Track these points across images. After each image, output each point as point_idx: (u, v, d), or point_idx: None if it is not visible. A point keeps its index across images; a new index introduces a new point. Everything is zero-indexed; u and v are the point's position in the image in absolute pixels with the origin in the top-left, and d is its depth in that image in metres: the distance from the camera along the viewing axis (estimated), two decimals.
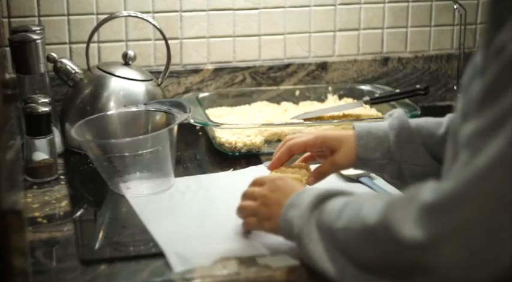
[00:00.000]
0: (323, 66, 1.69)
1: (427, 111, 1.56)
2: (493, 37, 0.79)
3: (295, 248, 0.97)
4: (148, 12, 1.58)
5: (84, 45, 1.45)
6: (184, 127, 1.40)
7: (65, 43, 1.57)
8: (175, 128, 1.25)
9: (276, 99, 1.63)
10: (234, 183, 1.27)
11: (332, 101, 1.64)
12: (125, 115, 1.34)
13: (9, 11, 1.52)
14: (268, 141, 1.45)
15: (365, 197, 0.91)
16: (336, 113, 1.55)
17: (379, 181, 1.26)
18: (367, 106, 1.57)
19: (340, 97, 1.65)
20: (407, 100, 1.55)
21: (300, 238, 0.94)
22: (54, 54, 1.43)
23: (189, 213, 1.17)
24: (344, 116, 1.55)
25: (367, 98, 1.55)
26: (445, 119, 1.13)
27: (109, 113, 1.34)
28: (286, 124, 1.47)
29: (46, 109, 1.30)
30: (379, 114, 1.56)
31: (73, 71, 1.44)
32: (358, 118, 1.53)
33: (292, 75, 1.68)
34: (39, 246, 1.08)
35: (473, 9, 1.74)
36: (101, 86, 1.43)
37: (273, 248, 1.04)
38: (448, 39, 1.75)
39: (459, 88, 1.66)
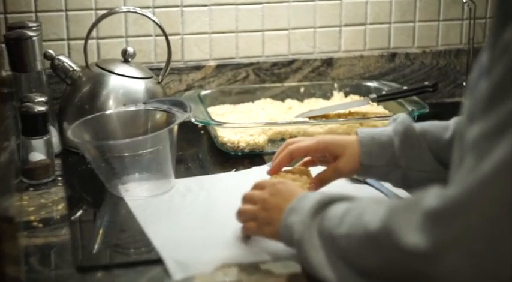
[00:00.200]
0: (328, 62, 1.66)
1: (436, 108, 1.55)
2: (499, 35, 0.76)
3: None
4: (148, 7, 1.54)
5: (83, 41, 1.41)
6: (186, 125, 1.37)
7: (63, 39, 1.53)
8: (176, 127, 1.22)
9: (280, 96, 1.59)
10: (236, 184, 1.23)
11: (338, 98, 1.60)
12: (124, 114, 1.30)
13: (6, 7, 1.49)
14: (271, 141, 1.41)
15: (367, 202, 0.88)
16: (341, 111, 1.51)
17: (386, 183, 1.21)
18: (374, 103, 1.53)
19: (346, 94, 1.61)
20: (415, 97, 1.51)
21: (300, 244, 0.92)
22: (51, 51, 1.40)
23: (190, 217, 1.14)
24: (350, 114, 1.51)
25: (373, 96, 1.52)
26: (451, 123, 1.10)
27: (107, 112, 1.31)
28: (290, 123, 1.43)
29: (42, 108, 1.26)
30: (386, 112, 1.52)
31: (71, 69, 1.40)
32: (364, 116, 1.50)
33: (296, 71, 1.65)
34: (34, 253, 1.05)
35: (483, 2, 1.70)
36: (100, 84, 1.40)
37: (275, 253, 1.01)
38: (457, 34, 1.72)
39: (468, 84, 1.65)
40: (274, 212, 0.98)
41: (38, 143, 1.27)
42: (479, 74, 0.81)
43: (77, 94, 1.40)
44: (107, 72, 1.40)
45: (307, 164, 1.15)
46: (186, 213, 1.15)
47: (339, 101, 1.59)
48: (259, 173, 1.23)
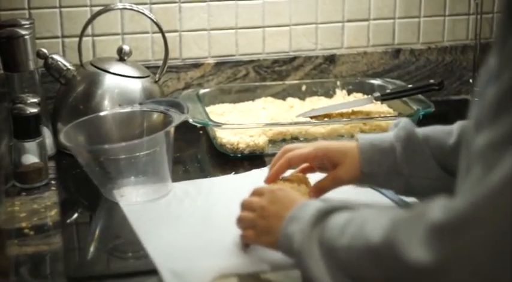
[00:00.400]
0: (331, 59, 1.63)
1: (441, 106, 1.52)
2: (507, 38, 0.72)
3: None
4: (145, 4, 1.51)
5: (78, 39, 1.38)
6: (185, 125, 1.32)
7: (57, 37, 1.50)
8: (172, 130, 1.18)
9: (281, 94, 1.56)
10: (235, 188, 1.19)
11: (341, 96, 1.56)
12: (119, 116, 1.26)
13: None
14: (272, 141, 1.37)
15: (369, 212, 0.85)
16: (344, 110, 1.47)
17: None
18: (378, 102, 1.49)
19: (349, 92, 1.57)
20: (420, 96, 1.48)
21: (300, 254, 0.88)
22: (44, 50, 1.36)
23: (187, 224, 1.10)
24: (353, 113, 1.48)
25: (377, 94, 1.48)
26: (455, 127, 1.06)
27: (101, 114, 1.27)
28: (291, 124, 1.39)
29: (35, 110, 1.22)
30: (391, 111, 1.49)
31: (65, 68, 1.37)
32: (368, 115, 1.47)
33: (298, 69, 1.61)
34: (25, 262, 1.01)
35: None
36: (95, 83, 1.36)
37: (275, 263, 0.97)
38: (464, 30, 1.69)
39: (475, 81, 1.62)
40: (273, 220, 0.95)
41: (31, 145, 1.23)
42: (487, 78, 0.77)
43: (71, 94, 1.37)
44: (102, 72, 1.37)
45: (306, 171, 1.11)
46: (183, 220, 1.11)
47: (341, 99, 1.55)
48: (259, 176, 1.18)
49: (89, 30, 1.48)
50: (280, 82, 1.59)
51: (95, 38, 1.51)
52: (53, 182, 1.25)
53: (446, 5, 1.66)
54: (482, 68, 0.81)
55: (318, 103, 1.53)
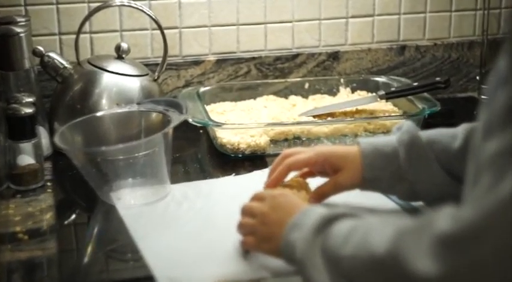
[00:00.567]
0: (334, 56, 1.60)
1: (447, 104, 1.49)
2: None
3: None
4: (144, 0, 1.47)
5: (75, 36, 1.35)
6: (185, 124, 1.29)
7: (54, 34, 1.47)
8: (171, 131, 1.14)
9: (284, 92, 1.53)
10: (236, 191, 1.16)
11: (344, 94, 1.53)
12: (116, 116, 1.23)
13: None
14: (274, 141, 1.34)
15: (374, 221, 0.83)
16: (348, 109, 1.44)
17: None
18: (383, 101, 1.46)
19: (353, 90, 1.54)
20: (426, 94, 1.44)
21: (302, 263, 0.86)
22: (41, 48, 1.33)
23: (185, 228, 1.07)
24: (357, 111, 1.44)
25: (382, 92, 1.45)
26: (460, 130, 1.03)
27: (98, 114, 1.23)
28: (293, 123, 1.35)
29: (30, 110, 1.20)
30: (396, 109, 1.46)
31: (61, 66, 1.34)
32: (372, 114, 1.44)
33: (301, 66, 1.59)
34: (18, 268, 0.99)
35: None
36: (92, 82, 1.33)
37: (276, 270, 0.94)
38: (470, 25, 1.66)
39: (482, 78, 1.60)
40: (274, 227, 0.92)
41: (26, 146, 1.20)
42: (497, 83, 0.74)
43: (68, 93, 1.34)
44: (100, 70, 1.34)
45: (306, 175, 1.09)
46: (181, 224, 1.08)
47: (345, 97, 1.52)
48: (260, 178, 1.15)
49: (87, 27, 1.45)
50: (283, 80, 1.56)
51: (93, 35, 1.48)
52: (49, 183, 1.22)
53: (452, 0, 1.64)
54: (492, 70, 0.79)
55: (321, 101, 1.50)
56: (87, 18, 1.36)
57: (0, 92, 1.30)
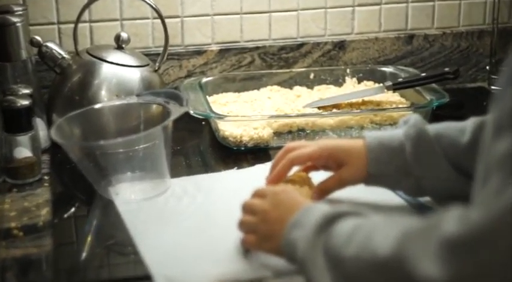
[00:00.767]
0: (340, 46, 1.57)
1: (456, 95, 1.46)
2: None
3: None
4: None
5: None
6: (187, 114, 1.26)
7: (53, 23, 1.44)
8: (170, 124, 1.12)
9: (288, 83, 1.50)
10: (237, 185, 1.14)
11: (350, 84, 1.50)
12: (114, 108, 1.21)
13: None
14: (278, 134, 1.31)
15: (378, 220, 0.81)
16: (354, 100, 1.41)
17: None
18: (390, 91, 1.43)
19: (360, 80, 1.51)
20: (434, 85, 1.41)
21: (304, 263, 0.84)
22: (38, 38, 1.29)
23: (185, 225, 1.04)
24: (363, 103, 1.41)
25: (389, 83, 1.42)
26: (468, 124, 1.00)
27: (96, 106, 1.20)
28: (297, 116, 1.32)
29: (26, 102, 1.17)
30: (403, 101, 1.42)
31: (60, 57, 1.31)
32: (379, 105, 1.41)
33: (306, 56, 1.56)
34: (12, 266, 0.96)
35: None
36: (91, 73, 1.30)
37: (277, 269, 0.92)
38: (480, 14, 1.63)
39: (492, 68, 1.56)
40: (275, 225, 0.90)
41: (23, 139, 1.17)
42: (507, 80, 0.72)
43: (67, 84, 1.31)
44: (99, 60, 1.31)
45: (309, 169, 1.06)
46: (181, 220, 1.05)
47: (351, 87, 1.49)
48: (263, 172, 1.12)
49: (86, 16, 1.42)
50: (287, 70, 1.53)
51: (92, 24, 1.45)
52: (46, 177, 1.20)
53: None
54: (502, 64, 0.76)
55: (326, 92, 1.47)
56: (86, 6, 1.33)
57: None
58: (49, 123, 1.30)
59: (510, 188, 0.65)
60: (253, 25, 1.53)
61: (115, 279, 0.94)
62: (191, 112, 1.27)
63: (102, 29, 1.46)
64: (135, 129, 1.18)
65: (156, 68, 1.35)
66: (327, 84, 1.50)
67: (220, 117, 1.28)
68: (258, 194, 0.95)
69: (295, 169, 1.05)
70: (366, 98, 1.42)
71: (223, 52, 1.52)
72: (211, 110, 1.29)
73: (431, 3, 1.60)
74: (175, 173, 1.17)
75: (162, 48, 1.37)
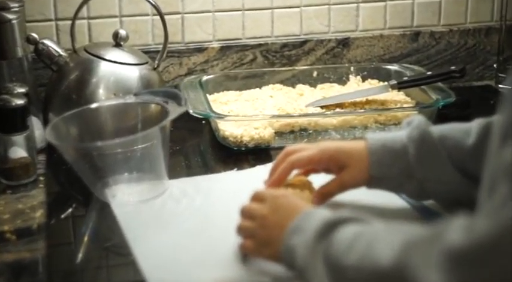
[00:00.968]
0: (344, 43, 1.55)
1: (463, 93, 1.44)
2: None
3: None
4: None
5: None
6: (186, 114, 1.24)
7: (50, 20, 1.41)
8: (168, 124, 1.09)
9: (291, 81, 1.47)
10: (237, 187, 1.11)
11: (354, 83, 1.48)
12: (111, 108, 1.18)
13: None
14: (279, 134, 1.29)
15: (381, 228, 0.78)
16: (358, 99, 1.38)
17: None
18: (394, 90, 1.40)
19: (364, 78, 1.49)
20: (440, 84, 1.38)
21: (303, 270, 0.82)
22: (35, 35, 1.27)
23: (182, 228, 1.02)
24: (367, 102, 1.38)
25: (394, 82, 1.39)
26: (473, 125, 0.98)
27: (93, 106, 1.17)
28: (300, 115, 1.30)
29: (21, 102, 1.14)
30: (408, 100, 1.40)
31: (57, 54, 1.28)
32: (383, 105, 1.38)
33: (309, 53, 1.54)
34: (3, 272, 0.93)
35: None
36: (88, 71, 1.27)
37: (275, 275, 0.89)
38: (488, 10, 1.61)
39: (500, 66, 1.54)
40: (274, 231, 0.87)
41: (17, 139, 1.15)
42: None
43: (64, 82, 1.28)
44: (96, 58, 1.28)
45: (309, 172, 1.03)
46: (178, 224, 1.03)
47: (355, 86, 1.46)
48: (263, 173, 1.10)
49: (84, 12, 1.40)
50: (290, 68, 1.51)
51: (91, 21, 1.43)
52: (41, 178, 1.17)
53: None
54: (511, 63, 0.73)
55: (330, 90, 1.44)
56: (84, 3, 1.30)
57: None
58: (45, 122, 1.27)
59: None
60: (255, 22, 1.51)
61: None
62: (191, 111, 1.25)
63: (101, 25, 1.43)
64: (133, 129, 1.15)
65: (155, 66, 1.32)
66: (331, 82, 1.47)
67: (220, 117, 1.25)
68: (257, 198, 0.93)
69: (295, 172, 1.03)
70: (370, 97, 1.39)
71: (225, 49, 1.50)
72: (211, 110, 1.27)
73: (437, 0, 1.57)
74: (174, 173, 1.15)
75: (162, 46, 1.35)
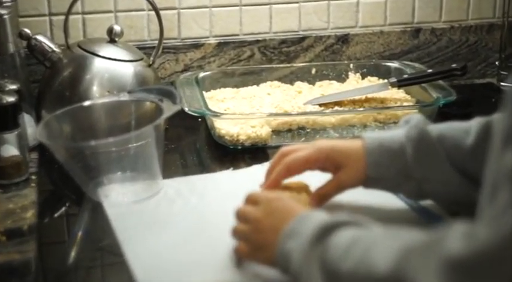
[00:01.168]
0: (344, 40, 1.53)
1: (464, 91, 1.41)
2: None
3: None
4: None
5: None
6: (182, 111, 1.22)
7: (44, 15, 1.39)
8: (162, 123, 1.07)
9: (289, 78, 1.45)
10: (233, 187, 1.09)
11: (354, 80, 1.45)
12: (104, 106, 1.16)
13: None
14: (276, 132, 1.26)
15: (378, 233, 0.77)
16: (357, 97, 1.36)
17: None
18: (394, 88, 1.38)
19: (364, 76, 1.46)
20: (441, 82, 1.36)
21: (298, 275, 0.80)
22: (27, 30, 1.25)
23: (176, 230, 0.99)
24: (366, 100, 1.36)
25: (394, 80, 1.37)
26: (473, 125, 0.96)
27: (86, 103, 1.15)
28: (297, 114, 1.27)
29: (12, 99, 1.12)
30: (408, 98, 1.38)
31: (50, 50, 1.26)
32: (383, 103, 1.36)
33: (307, 50, 1.51)
34: None
35: None
36: (82, 67, 1.25)
37: (271, 279, 0.87)
38: (490, 7, 1.59)
39: (502, 63, 1.51)
40: (268, 235, 0.86)
41: (9, 137, 1.13)
42: None
43: (57, 79, 1.26)
44: (90, 55, 1.26)
45: (303, 170, 1.01)
46: (172, 225, 1.01)
47: (355, 83, 1.44)
48: (259, 173, 1.08)
49: (79, 7, 1.38)
50: (288, 64, 1.49)
51: (85, 16, 1.41)
52: (33, 176, 1.15)
53: None
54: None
55: (328, 87, 1.42)
56: None
57: None
58: (38, 119, 1.25)
59: None
60: (253, 17, 1.49)
61: None
62: (186, 109, 1.23)
63: (96, 21, 1.41)
64: (127, 127, 1.13)
65: (151, 63, 1.30)
66: (329, 79, 1.45)
67: (216, 115, 1.23)
68: (251, 200, 0.91)
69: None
70: (370, 95, 1.37)
71: (222, 46, 1.48)
72: (206, 107, 1.24)
73: None
74: (169, 173, 1.13)
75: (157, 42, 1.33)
